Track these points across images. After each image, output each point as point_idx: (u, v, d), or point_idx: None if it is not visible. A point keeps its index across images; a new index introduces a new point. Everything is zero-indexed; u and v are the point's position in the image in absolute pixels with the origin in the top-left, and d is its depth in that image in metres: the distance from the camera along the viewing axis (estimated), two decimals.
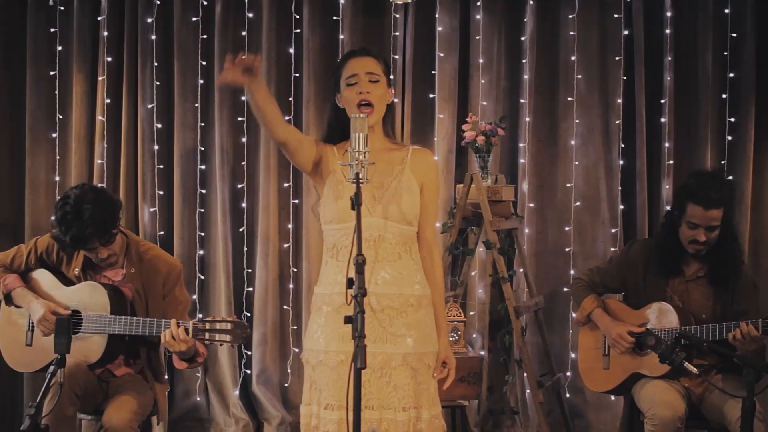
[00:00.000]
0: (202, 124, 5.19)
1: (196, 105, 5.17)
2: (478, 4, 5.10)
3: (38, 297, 3.88)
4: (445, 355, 3.08)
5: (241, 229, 5.20)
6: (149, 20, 5.12)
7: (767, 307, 4.14)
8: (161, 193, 5.19)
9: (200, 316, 5.07)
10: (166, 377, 4.18)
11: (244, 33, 5.15)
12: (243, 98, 5.16)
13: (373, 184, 2.96)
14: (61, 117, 5.18)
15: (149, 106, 5.14)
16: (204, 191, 5.20)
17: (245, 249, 5.21)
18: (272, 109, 2.91)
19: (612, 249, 5.03)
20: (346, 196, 2.94)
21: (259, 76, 2.84)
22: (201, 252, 5.19)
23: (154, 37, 5.13)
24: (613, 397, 5.01)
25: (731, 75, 5.05)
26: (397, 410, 2.92)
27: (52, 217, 3.90)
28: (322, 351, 2.96)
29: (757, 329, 3.69)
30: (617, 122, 5.10)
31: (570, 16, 5.10)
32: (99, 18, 5.15)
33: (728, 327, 3.76)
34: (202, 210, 5.20)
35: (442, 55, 5.11)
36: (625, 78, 5.08)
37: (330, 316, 2.97)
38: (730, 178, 5.01)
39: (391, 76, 5.04)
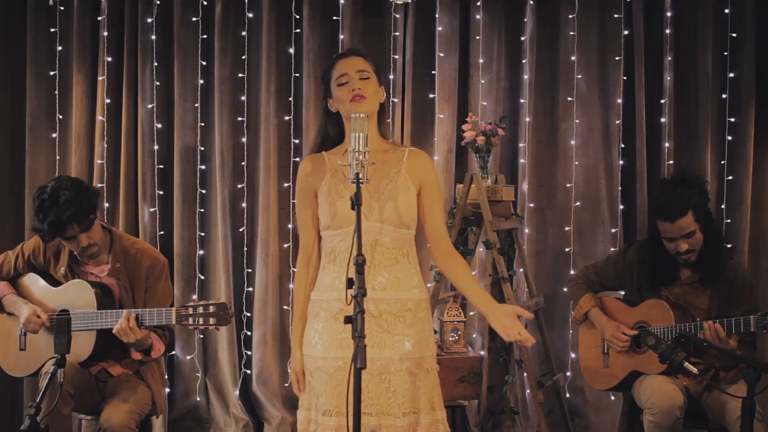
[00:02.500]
0: (202, 124, 5.19)
1: (196, 105, 5.17)
2: (478, 4, 5.10)
3: (27, 302, 3.90)
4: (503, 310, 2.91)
5: (241, 229, 5.19)
6: (149, 20, 5.12)
7: (766, 307, 4.14)
8: (161, 193, 5.18)
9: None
10: (164, 369, 4.17)
11: (244, 33, 5.15)
12: (243, 98, 5.16)
13: (370, 186, 2.94)
14: (61, 117, 5.17)
15: (149, 106, 5.14)
16: (204, 191, 5.20)
17: (245, 249, 5.20)
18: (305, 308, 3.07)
19: (612, 249, 5.02)
20: (341, 200, 2.94)
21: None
22: (201, 252, 5.19)
23: (154, 37, 5.13)
24: (612, 397, 5.01)
25: (731, 75, 5.05)
26: (397, 416, 2.90)
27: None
28: (320, 357, 2.95)
29: (749, 326, 3.69)
30: (617, 122, 5.09)
31: (570, 16, 5.10)
32: (99, 18, 5.14)
33: (721, 323, 3.76)
34: (202, 210, 5.20)
35: (442, 55, 5.11)
36: (625, 78, 5.08)
37: (328, 322, 2.96)
38: (730, 178, 5.02)
39: (391, 76, 5.06)
